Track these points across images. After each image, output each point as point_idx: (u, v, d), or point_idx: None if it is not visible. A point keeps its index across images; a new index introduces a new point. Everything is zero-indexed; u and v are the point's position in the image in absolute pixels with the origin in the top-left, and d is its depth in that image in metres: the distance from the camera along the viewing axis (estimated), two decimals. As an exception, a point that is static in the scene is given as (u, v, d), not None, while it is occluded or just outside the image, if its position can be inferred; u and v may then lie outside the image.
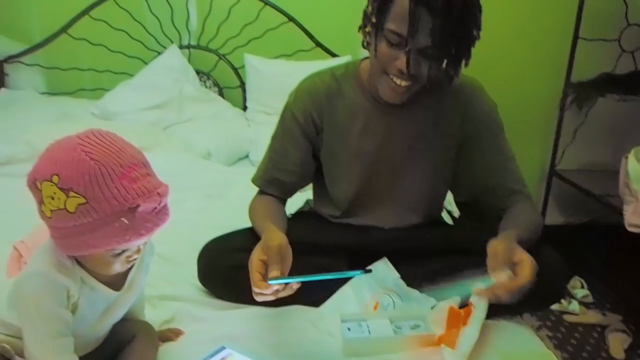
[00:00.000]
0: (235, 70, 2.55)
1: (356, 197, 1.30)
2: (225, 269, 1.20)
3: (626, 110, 2.61)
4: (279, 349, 1.06)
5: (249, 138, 2.32)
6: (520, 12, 2.64)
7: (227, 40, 2.50)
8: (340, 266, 1.22)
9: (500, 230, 1.15)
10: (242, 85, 2.56)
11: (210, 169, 2.08)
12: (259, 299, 1.00)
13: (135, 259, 0.87)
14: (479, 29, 1.09)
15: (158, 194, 0.79)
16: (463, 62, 1.12)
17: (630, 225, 1.89)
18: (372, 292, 1.21)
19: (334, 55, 2.54)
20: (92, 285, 0.86)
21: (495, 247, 1.03)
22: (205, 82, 2.54)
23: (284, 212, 1.32)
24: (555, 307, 2.12)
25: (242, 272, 1.03)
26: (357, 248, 1.27)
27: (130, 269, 0.91)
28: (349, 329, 1.09)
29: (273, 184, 1.31)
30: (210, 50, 2.53)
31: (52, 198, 0.76)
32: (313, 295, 1.17)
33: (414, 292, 1.22)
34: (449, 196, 1.47)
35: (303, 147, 1.29)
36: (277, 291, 0.98)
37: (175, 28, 2.50)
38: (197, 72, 2.50)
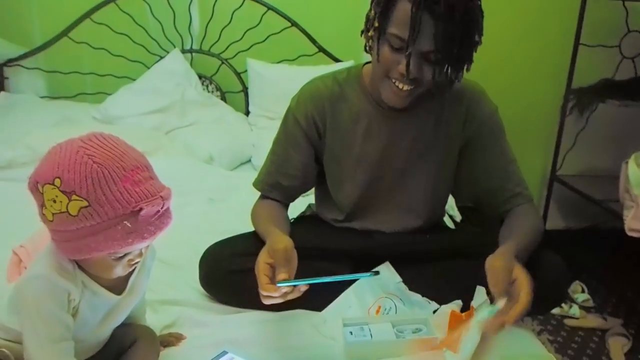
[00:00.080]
0: (238, 74, 2.55)
1: (359, 200, 1.30)
2: (227, 274, 1.20)
3: (627, 116, 2.63)
4: (281, 354, 1.06)
5: (252, 142, 2.32)
6: (522, 18, 2.65)
7: (229, 45, 2.50)
8: (343, 270, 1.20)
9: (500, 238, 1.15)
10: (245, 89, 2.56)
11: (212, 173, 2.07)
12: (266, 302, 0.99)
13: (137, 263, 0.86)
14: (481, 34, 1.09)
15: (161, 197, 0.79)
16: (465, 66, 1.12)
17: (631, 230, 1.89)
18: (374, 296, 1.21)
19: (336, 60, 2.54)
20: (94, 289, 0.86)
21: (493, 264, 0.99)
22: (207, 86, 2.54)
23: (287, 216, 1.31)
24: (556, 311, 2.13)
25: (244, 277, 1.03)
26: (360, 252, 1.27)
27: (131, 273, 0.90)
28: (351, 333, 1.08)
29: (275, 188, 1.30)
30: (212, 55, 2.53)
31: (54, 201, 0.76)
32: (315, 300, 1.16)
33: (416, 296, 1.22)
34: (451, 200, 1.47)
35: (305, 151, 1.29)
36: (285, 294, 0.98)
37: (178, 32, 2.49)
38: (200, 77, 2.50)
